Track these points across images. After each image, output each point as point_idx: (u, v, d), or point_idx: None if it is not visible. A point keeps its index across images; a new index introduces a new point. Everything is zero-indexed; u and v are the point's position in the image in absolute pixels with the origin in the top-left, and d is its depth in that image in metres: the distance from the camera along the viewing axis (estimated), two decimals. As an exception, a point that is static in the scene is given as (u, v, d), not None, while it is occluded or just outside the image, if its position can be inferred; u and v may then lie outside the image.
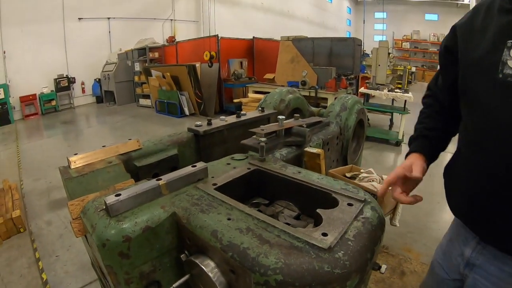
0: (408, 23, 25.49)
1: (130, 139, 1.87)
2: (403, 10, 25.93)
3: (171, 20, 14.14)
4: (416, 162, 1.16)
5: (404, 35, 25.85)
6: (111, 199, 1.05)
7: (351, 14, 30.04)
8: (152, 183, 1.18)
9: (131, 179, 1.54)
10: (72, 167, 1.54)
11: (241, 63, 9.82)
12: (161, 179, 1.21)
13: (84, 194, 1.29)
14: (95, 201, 1.14)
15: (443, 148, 1.27)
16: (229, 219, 1.03)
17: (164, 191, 1.19)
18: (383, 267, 1.08)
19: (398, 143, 6.44)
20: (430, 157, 1.22)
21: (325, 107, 3.10)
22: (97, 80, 11.59)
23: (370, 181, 2.25)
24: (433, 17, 24.85)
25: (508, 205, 0.90)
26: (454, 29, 1.08)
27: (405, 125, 6.36)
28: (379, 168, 4.60)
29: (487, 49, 0.92)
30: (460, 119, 1.12)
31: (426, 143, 1.23)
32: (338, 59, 8.55)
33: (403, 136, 6.44)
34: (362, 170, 2.43)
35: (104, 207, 1.07)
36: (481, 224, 1.02)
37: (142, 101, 11.12)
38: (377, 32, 26.90)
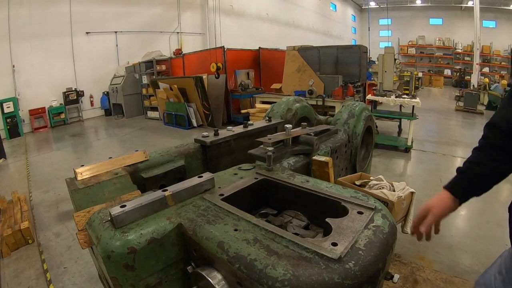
0: (413, 29, 25.54)
1: (137, 151, 1.87)
2: (408, 15, 26.01)
3: (178, 33, 14.35)
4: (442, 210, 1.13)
5: (410, 41, 25.87)
6: (116, 210, 1.04)
7: (356, 21, 30.17)
8: (157, 194, 1.17)
9: (138, 190, 1.54)
10: (79, 178, 1.54)
11: (248, 73, 9.86)
12: (167, 190, 1.20)
13: (90, 206, 1.29)
14: (100, 213, 1.13)
15: (489, 186, 1.12)
16: (236, 230, 1.01)
17: (170, 202, 1.18)
18: (396, 276, 1.04)
19: (407, 150, 6.35)
20: (465, 197, 1.15)
21: (332, 116, 3.08)
22: (106, 93, 11.75)
23: (380, 189, 2.21)
24: (438, 21, 24.87)
25: None
26: None
27: (414, 131, 6.26)
28: (389, 175, 4.54)
29: None
30: None
31: (462, 183, 1.15)
32: (344, 67, 8.54)
33: (412, 142, 6.36)
34: (371, 178, 2.39)
35: (109, 218, 1.05)
36: None
37: (150, 114, 11.21)
38: (383, 38, 26.97)
